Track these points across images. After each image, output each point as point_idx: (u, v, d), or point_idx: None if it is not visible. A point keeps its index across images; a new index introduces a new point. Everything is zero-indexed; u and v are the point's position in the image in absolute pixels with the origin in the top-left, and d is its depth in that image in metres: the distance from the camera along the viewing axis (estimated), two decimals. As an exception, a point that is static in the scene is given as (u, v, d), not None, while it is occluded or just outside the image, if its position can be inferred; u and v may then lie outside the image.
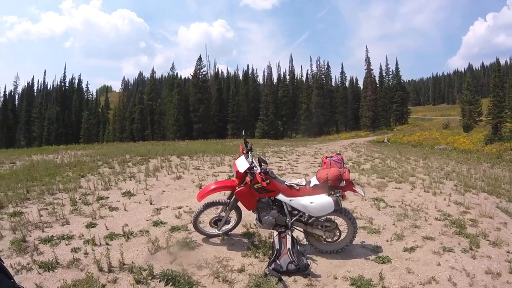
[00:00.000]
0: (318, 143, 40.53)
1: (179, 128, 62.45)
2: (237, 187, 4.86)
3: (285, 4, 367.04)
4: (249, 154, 5.07)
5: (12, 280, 0.70)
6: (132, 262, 4.41)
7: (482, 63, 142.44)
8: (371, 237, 5.60)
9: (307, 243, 5.00)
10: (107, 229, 5.52)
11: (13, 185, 8.40)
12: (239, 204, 5.03)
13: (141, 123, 68.37)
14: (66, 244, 4.90)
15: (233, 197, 4.97)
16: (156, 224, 5.86)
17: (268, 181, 4.62)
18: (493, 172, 13.77)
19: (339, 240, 4.93)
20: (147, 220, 6.06)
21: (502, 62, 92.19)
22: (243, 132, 5.34)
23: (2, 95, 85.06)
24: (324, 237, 4.85)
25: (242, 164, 4.89)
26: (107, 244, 4.97)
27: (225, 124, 70.46)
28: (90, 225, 5.68)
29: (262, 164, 4.86)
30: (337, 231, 4.88)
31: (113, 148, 21.04)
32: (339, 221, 4.95)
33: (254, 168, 4.78)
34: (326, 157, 4.94)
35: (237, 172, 4.84)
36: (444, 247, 5.24)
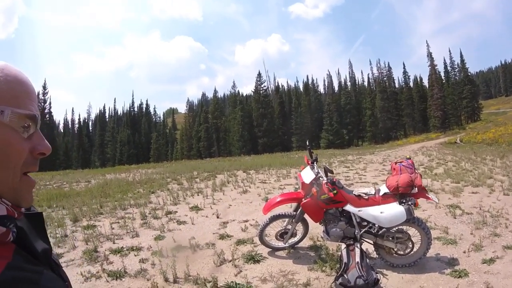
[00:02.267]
0: (386, 149, 39.45)
1: (244, 144, 63.38)
2: (303, 199, 4.79)
3: (336, 9, 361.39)
4: (315, 164, 5.00)
5: (66, 283, 0.73)
6: (197, 274, 4.47)
7: None
8: (447, 249, 5.24)
9: (377, 256, 4.79)
10: (175, 242, 5.70)
11: (88, 201, 9.11)
12: (306, 216, 4.96)
13: (207, 141, 70.42)
14: (135, 255, 5.15)
15: (299, 209, 4.91)
16: (222, 237, 5.96)
17: (335, 192, 4.50)
18: None
19: (412, 252, 4.66)
20: (213, 233, 6.20)
21: None
22: (307, 142, 5.34)
23: (77, 122, 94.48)
24: (395, 249, 4.61)
25: (307, 175, 4.83)
26: (173, 255, 5.10)
27: (289, 137, 70.43)
28: (159, 238, 5.94)
29: (328, 174, 4.74)
30: (410, 243, 4.62)
31: (181, 165, 21.90)
32: (412, 231, 4.69)
33: (320, 178, 4.71)
34: (396, 163, 4.74)
35: (303, 183, 4.79)
36: (527, 257, 4.78)
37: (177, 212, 7.79)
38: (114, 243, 5.73)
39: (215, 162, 23.49)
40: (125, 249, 5.41)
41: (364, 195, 4.63)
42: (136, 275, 4.47)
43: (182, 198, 9.27)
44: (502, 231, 5.88)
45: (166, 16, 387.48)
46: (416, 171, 4.63)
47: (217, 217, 7.24)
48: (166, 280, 4.29)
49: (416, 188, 4.48)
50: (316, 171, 4.82)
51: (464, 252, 5.07)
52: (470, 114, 74.33)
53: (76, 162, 68.95)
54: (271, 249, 5.26)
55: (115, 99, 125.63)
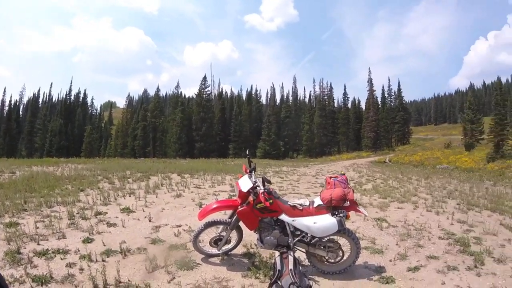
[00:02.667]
0: (320, 163, 40.49)
1: (181, 146, 62.44)
2: (239, 207, 4.77)
3: (291, 26, 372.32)
4: (253, 173, 5.00)
5: None
6: (129, 280, 4.26)
7: (484, 82, 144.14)
8: (374, 257, 5.49)
9: (309, 264, 4.89)
10: (104, 245, 5.35)
11: (11, 195, 8.28)
12: (241, 224, 4.94)
13: (143, 140, 68.42)
14: (62, 259, 4.75)
15: (235, 216, 4.88)
16: (154, 242, 5.73)
17: (271, 201, 4.56)
18: (496, 189, 13.80)
19: (342, 260, 4.83)
20: (145, 238, 5.92)
21: (504, 80, 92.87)
22: (247, 151, 5.32)
23: (7, 104, 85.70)
24: (326, 257, 4.75)
25: (245, 183, 4.81)
26: (103, 260, 4.80)
27: (227, 144, 70.44)
28: (87, 240, 5.52)
29: (266, 183, 4.79)
30: (340, 252, 4.79)
31: (114, 163, 21.10)
32: (342, 241, 4.86)
33: (258, 187, 4.71)
34: (330, 177, 4.90)
35: (240, 191, 4.77)
36: (448, 265, 5.15)
37: (107, 213, 7.33)
38: (38, 244, 5.26)
39: (150, 163, 22.93)
40: (50, 251, 4.97)
41: (299, 206, 4.73)
42: (63, 280, 4.13)
43: (113, 199, 8.78)
44: (425, 242, 6.29)
45: (121, 3, 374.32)
46: (348, 186, 4.83)
47: (150, 221, 6.94)
48: (96, 286, 4.02)
49: (348, 202, 4.64)
50: (254, 180, 4.82)
51: (390, 260, 5.35)
52: (400, 138, 79.38)
53: (1, 149, 64.63)
54: (204, 256, 5.15)
55: (51, 83, 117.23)
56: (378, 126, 74.68)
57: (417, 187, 14.02)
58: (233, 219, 4.93)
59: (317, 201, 4.74)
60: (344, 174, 4.99)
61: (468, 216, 8.41)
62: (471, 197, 11.28)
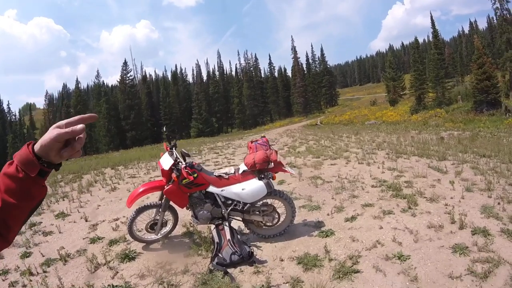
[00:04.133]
0: (254, 134, 40.83)
1: (112, 139, 59.88)
2: (165, 186, 4.66)
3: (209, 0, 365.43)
4: (174, 150, 4.88)
5: None
6: (72, 285, 4.10)
7: (402, 43, 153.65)
8: (312, 214, 5.66)
9: (249, 231, 4.93)
10: (43, 256, 5.07)
11: None
12: (172, 203, 4.84)
13: (70, 139, 64.68)
14: (3, 280, 4.46)
15: (164, 197, 4.77)
16: (93, 241, 5.51)
17: (195, 175, 4.49)
18: (421, 137, 14.65)
19: (279, 222, 4.91)
20: (83, 239, 5.68)
21: (420, 40, 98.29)
22: (163, 128, 5.11)
23: None
24: (263, 222, 4.80)
25: (166, 161, 4.70)
26: (44, 271, 4.56)
27: (159, 129, 68.80)
28: (25, 255, 5.18)
29: (186, 158, 4.74)
30: (276, 214, 4.85)
31: (42, 169, 19.83)
32: (276, 204, 4.92)
33: (180, 163, 4.62)
34: (252, 142, 4.95)
35: (162, 170, 4.67)
36: (383, 210, 5.43)
37: (41, 222, 6.86)
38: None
39: (81, 161, 21.86)
40: None
41: (224, 175, 4.73)
42: None
43: (46, 206, 8.19)
44: (360, 192, 6.61)
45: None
46: (270, 147, 4.89)
47: (86, 221, 6.64)
48: None
49: (272, 163, 4.69)
50: (175, 156, 4.72)
51: (328, 214, 5.56)
52: (329, 100, 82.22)
53: None
54: (145, 243, 5.04)
55: None
56: (306, 91, 76.31)
57: (348, 143, 14.60)
58: (163, 200, 4.82)
59: (242, 167, 4.77)
60: (264, 137, 5.06)
61: (397, 163, 8.91)
62: (399, 146, 11.95)
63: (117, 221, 6.33)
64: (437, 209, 5.31)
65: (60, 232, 6.12)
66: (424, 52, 64.48)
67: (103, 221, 6.54)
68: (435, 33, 44.23)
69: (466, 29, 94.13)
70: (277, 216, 4.86)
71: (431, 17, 46.02)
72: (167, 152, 4.90)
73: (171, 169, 4.59)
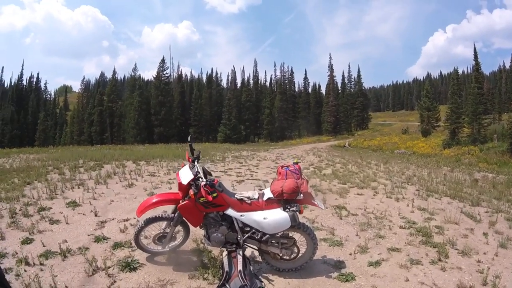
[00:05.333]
0: (280, 147, 40.51)
1: (139, 132, 60.69)
2: (180, 201, 4.33)
3: (252, 8, 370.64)
4: (196, 163, 4.54)
5: None
6: (66, 287, 3.88)
7: (440, 72, 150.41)
8: (333, 251, 5.20)
9: (263, 261, 4.54)
10: (44, 246, 4.86)
11: None
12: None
13: (100, 125, 65.47)
14: None
15: (178, 211, 4.43)
16: (98, 239, 5.24)
17: (215, 195, 4.12)
18: (454, 175, 13.92)
19: (298, 257, 4.48)
20: (88, 235, 5.42)
21: (460, 71, 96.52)
22: (189, 138, 4.70)
23: None
24: (280, 255, 4.39)
25: (185, 174, 4.35)
26: (41, 264, 4.35)
27: (187, 128, 69.20)
28: (26, 241, 5.01)
29: (208, 176, 4.38)
30: (295, 248, 4.44)
31: (68, 152, 20.08)
32: (297, 236, 4.50)
33: (200, 179, 4.26)
34: (282, 167, 4.49)
35: (180, 184, 4.31)
36: (411, 259, 4.91)
37: (51, 208, 6.73)
38: (-25, 247, 4.74)
39: (105, 150, 22.00)
40: None
41: (246, 199, 4.33)
42: None
43: (60, 192, 8.09)
44: (386, 232, 6.07)
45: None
46: (302, 176, 4.43)
47: (95, 215, 6.40)
48: None
49: (302, 195, 4.28)
50: (196, 170, 4.38)
51: (350, 254, 5.07)
52: (360, 123, 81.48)
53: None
54: (150, 254, 4.73)
55: (2, 68, 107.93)
56: (338, 111, 75.92)
57: (376, 172, 14.03)
58: (176, 215, 4.48)
59: (267, 194, 4.34)
60: (297, 163, 4.58)
61: (428, 203, 8.33)
62: (430, 183, 11.30)
63: (126, 222, 6.05)
64: (469, 266, 4.79)
65: (67, 223, 5.92)
66: (463, 84, 63.18)
67: (113, 219, 6.28)
68: (477, 65, 43.20)
69: (507, 64, 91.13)
70: (296, 251, 4.44)
71: (474, 48, 45.12)
72: (187, 165, 4.56)
73: (189, 184, 4.23)
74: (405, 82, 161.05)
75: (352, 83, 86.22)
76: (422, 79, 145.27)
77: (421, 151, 33.43)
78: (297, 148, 37.59)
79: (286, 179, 4.29)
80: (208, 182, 4.13)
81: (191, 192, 4.15)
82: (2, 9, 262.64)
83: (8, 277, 3.91)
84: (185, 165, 4.63)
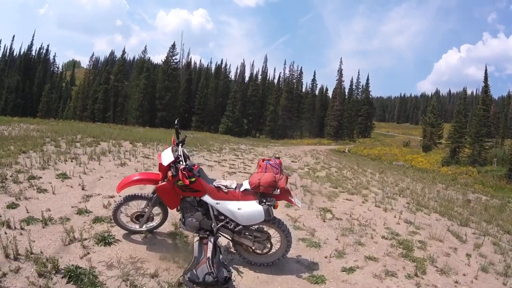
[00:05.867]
0: (280, 145, 40.42)
1: (142, 114, 60.62)
2: (160, 182, 4.36)
3: (270, 4, 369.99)
4: (179, 146, 4.51)
5: None
6: (41, 252, 3.96)
7: (449, 91, 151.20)
8: (309, 252, 5.18)
9: (235, 252, 4.56)
10: (28, 212, 5.01)
11: None
12: None
13: (103, 103, 65.29)
14: None
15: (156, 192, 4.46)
16: (80, 212, 5.34)
17: (193, 179, 4.16)
18: (447, 193, 13.88)
19: (270, 252, 4.49)
20: (72, 207, 5.52)
21: (469, 92, 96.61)
22: (176, 121, 4.65)
23: None
24: (253, 247, 4.39)
25: (167, 156, 4.37)
26: (21, 228, 4.48)
27: (190, 116, 69.32)
28: (11, 206, 5.17)
29: (187, 159, 4.40)
30: (268, 243, 4.44)
31: (68, 126, 20.27)
32: (272, 232, 4.49)
33: (181, 162, 4.26)
34: (263, 160, 4.49)
35: (160, 164, 4.34)
36: (387, 270, 4.87)
37: (41, 178, 6.87)
38: (-41, 207, 4.85)
39: (105, 128, 22.13)
40: None
41: (224, 187, 4.33)
42: None
43: (53, 163, 8.25)
44: (367, 241, 6.03)
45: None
46: (283, 172, 4.42)
47: (82, 189, 6.51)
48: (7, 256, 3.75)
49: (279, 190, 4.28)
50: (178, 154, 4.37)
51: (326, 257, 5.05)
52: (362, 130, 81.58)
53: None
54: (128, 232, 4.78)
55: (13, 36, 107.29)
56: (342, 116, 75.86)
57: (370, 180, 14.00)
58: (155, 195, 4.51)
59: (245, 185, 4.35)
60: (279, 158, 4.57)
61: (416, 217, 8.28)
62: (422, 198, 11.27)
63: (111, 199, 6.13)
64: (445, 285, 4.73)
65: (53, 193, 6.06)
66: (470, 105, 63.04)
67: (99, 194, 6.38)
68: (486, 88, 42.76)
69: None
70: (269, 246, 4.44)
71: (486, 71, 44.18)
72: (170, 147, 4.57)
73: (169, 166, 4.26)
74: (413, 95, 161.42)
75: (359, 90, 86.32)
76: (430, 95, 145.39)
77: (419, 166, 33.25)
78: (297, 148, 37.50)
79: (265, 172, 4.30)
80: (187, 166, 4.14)
81: (169, 174, 4.17)
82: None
83: (-14, 237, 3.99)
84: (168, 147, 4.63)
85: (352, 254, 5.32)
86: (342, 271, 4.66)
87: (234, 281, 3.99)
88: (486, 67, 44.68)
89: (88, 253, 4.12)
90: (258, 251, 4.44)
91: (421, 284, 4.62)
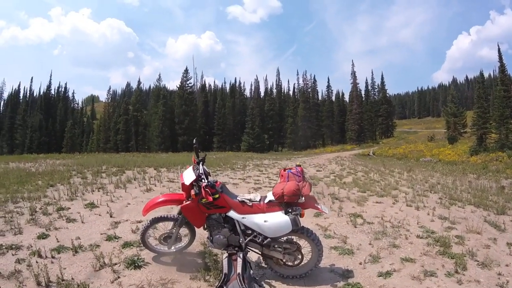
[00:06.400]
0: (303, 156, 40.31)
1: (164, 140, 61.69)
2: (184, 201, 4.36)
3: (274, 17, 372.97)
4: (200, 165, 4.51)
5: None
6: (72, 279, 4.05)
7: (466, 77, 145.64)
8: (343, 259, 5.04)
9: (266, 266, 4.48)
10: (58, 241, 5.16)
11: None
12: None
13: (125, 134, 66.85)
14: (13, 254, 4.63)
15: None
16: (109, 238, 5.45)
17: (217, 196, 4.15)
18: (479, 183, 13.45)
19: (302, 264, 4.38)
20: (101, 234, 5.66)
21: (486, 74, 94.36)
22: (194, 141, 4.68)
23: None
24: (283, 260, 4.29)
25: (188, 175, 4.39)
26: (53, 257, 4.61)
27: (211, 137, 70.00)
28: (42, 236, 5.38)
29: (209, 176, 4.37)
30: (299, 254, 4.33)
31: (93, 158, 20.88)
32: (302, 242, 4.40)
33: (203, 180, 4.26)
34: (284, 169, 4.45)
35: (183, 184, 4.35)
36: (425, 270, 4.66)
37: (70, 208, 7.08)
38: (-6, 239, 5.05)
39: (129, 157, 22.58)
40: (4, 247, 4.82)
41: (248, 201, 4.29)
42: (9, 277, 4.01)
43: (81, 194, 8.48)
44: (402, 242, 5.84)
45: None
46: (305, 179, 4.35)
47: (111, 216, 6.65)
48: (39, 283, 3.85)
49: (303, 198, 4.20)
50: (199, 172, 4.37)
51: (360, 263, 4.89)
52: (384, 131, 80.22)
53: (-18, 146, 62.91)
54: (157, 254, 4.80)
55: (32, 78, 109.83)
56: (362, 119, 75.18)
57: (399, 180, 13.73)
58: (181, 215, 4.53)
59: (269, 196, 4.29)
60: (300, 166, 4.51)
61: (450, 211, 8.02)
62: (454, 191, 10.95)
63: (139, 224, 6.24)
64: (488, 279, 4.48)
65: (82, 222, 6.25)
66: (489, 88, 61.26)
67: (127, 220, 6.51)
68: (502, 67, 40.97)
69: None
70: (300, 257, 4.34)
71: (499, 50, 42.39)
72: (192, 166, 4.58)
73: (191, 185, 4.26)
74: (430, 88, 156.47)
75: (375, 90, 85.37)
76: (447, 84, 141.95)
77: (447, 159, 32.47)
78: (320, 157, 37.26)
79: (288, 181, 4.25)
80: (209, 183, 4.14)
81: (192, 192, 4.18)
82: (30, 22, 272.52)
83: (20, 266, 4.21)
84: (189, 166, 4.65)
85: (388, 257, 5.15)
86: (379, 276, 4.49)
87: (267, 296, 3.89)
88: (498, 46, 43.24)
89: (119, 277, 4.17)
90: (289, 263, 4.34)
91: (462, 281, 4.42)
